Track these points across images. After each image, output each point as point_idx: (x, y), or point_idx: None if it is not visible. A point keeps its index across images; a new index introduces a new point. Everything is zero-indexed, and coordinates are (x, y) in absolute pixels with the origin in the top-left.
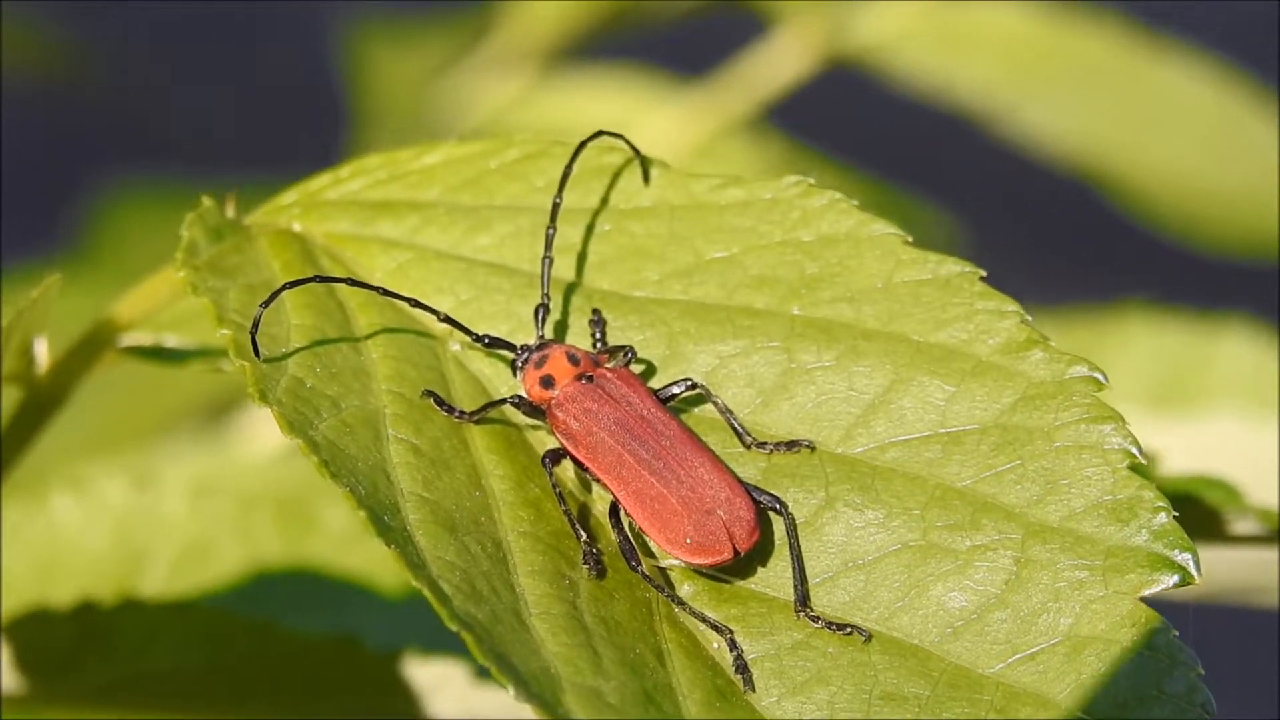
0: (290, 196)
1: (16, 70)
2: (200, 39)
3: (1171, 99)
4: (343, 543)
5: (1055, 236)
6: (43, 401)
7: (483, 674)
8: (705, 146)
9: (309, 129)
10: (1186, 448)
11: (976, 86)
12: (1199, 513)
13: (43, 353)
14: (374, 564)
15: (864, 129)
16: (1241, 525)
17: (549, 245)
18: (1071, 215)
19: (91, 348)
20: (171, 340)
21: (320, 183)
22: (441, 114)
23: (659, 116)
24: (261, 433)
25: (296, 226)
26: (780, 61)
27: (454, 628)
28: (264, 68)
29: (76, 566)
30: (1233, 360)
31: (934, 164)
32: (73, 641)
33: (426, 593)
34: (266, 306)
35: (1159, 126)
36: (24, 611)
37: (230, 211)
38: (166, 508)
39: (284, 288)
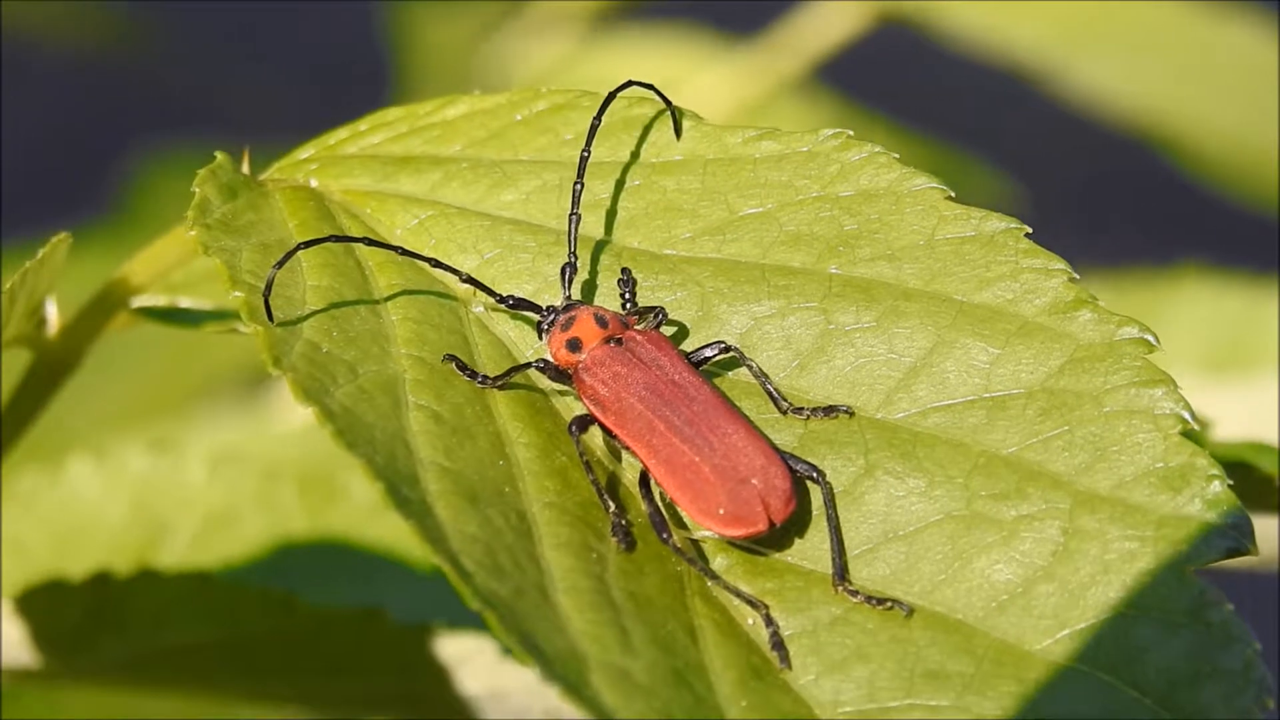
0: (307, 151)
1: (62, 39)
2: (245, 4)
3: (1230, 57)
4: (369, 513)
5: (1113, 197)
6: (53, 364)
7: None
8: (756, 106)
9: (354, 95)
10: (1243, 412)
11: (1030, 43)
12: (1252, 480)
13: (53, 315)
14: (401, 535)
15: (918, 88)
16: None
17: (576, 201)
18: (1129, 175)
19: (103, 310)
20: (185, 301)
21: (338, 136)
22: (488, 77)
23: (709, 76)
24: (294, 406)
25: (314, 183)
26: (831, 19)
27: (475, 606)
28: (309, 33)
29: (95, 537)
30: None
31: (989, 123)
32: (86, 615)
33: (446, 568)
34: (280, 267)
35: (1217, 85)
36: (36, 583)
37: (245, 168)
38: (187, 477)
39: (298, 248)
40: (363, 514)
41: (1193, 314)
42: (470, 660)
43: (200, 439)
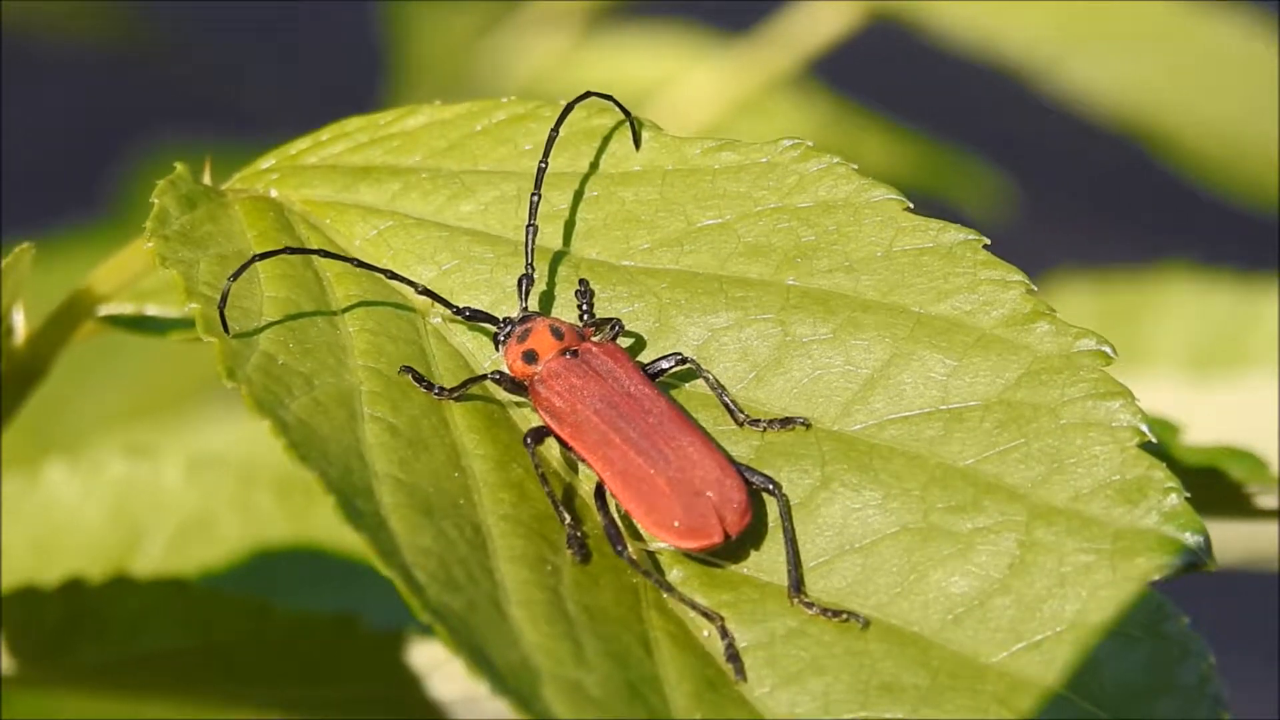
0: (268, 161)
1: (66, 36)
2: (247, 1)
3: (1221, 54)
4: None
5: (1104, 194)
6: (21, 374)
7: None
8: (749, 103)
9: (352, 92)
10: (1228, 411)
11: (1022, 41)
12: (1223, 486)
13: (20, 324)
14: None
15: (911, 85)
16: (1266, 500)
17: (533, 212)
18: (1120, 172)
19: (69, 318)
20: (153, 309)
21: (299, 146)
22: (484, 74)
23: (703, 74)
24: None
25: (273, 193)
26: (824, 17)
27: (426, 619)
28: (308, 30)
29: (72, 542)
30: (1275, 322)
31: (981, 120)
32: (62, 621)
33: (398, 581)
34: (235, 279)
35: (1209, 82)
36: (13, 589)
37: (206, 178)
38: (165, 481)
39: (253, 259)
40: (339, 519)
41: (1180, 312)
42: (444, 665)
43: (181, 444)
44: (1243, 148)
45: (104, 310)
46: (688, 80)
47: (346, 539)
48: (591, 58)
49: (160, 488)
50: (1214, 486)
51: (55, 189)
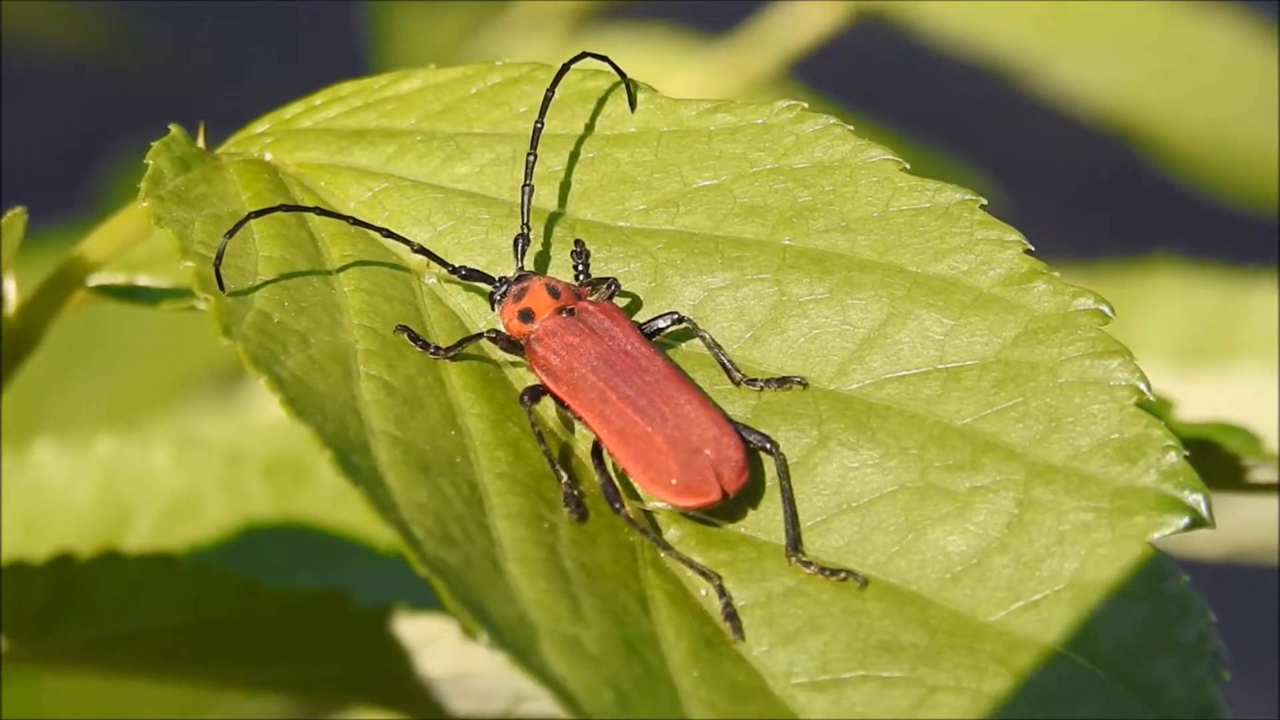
0: (262, 125)
1: (60, 39)
2: (235, 3)
3: (1206, 54)
4: (334, 498)
5: (1090, 194)
6: (13, 344)
7: None
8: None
9: None
10: (1214, 403)
11: (1008, 40)
12: (1218, 459)
13: (11, 293)
14: (366, 520)
15: (895, 86)
16: (1261, 473)
17: (529, 173)
18: (1108, 172)
19: (60, 287)
20: (144, 279)
21: (293, 111)
22: None
23: (686, 75)
24: (272, 402)
25: (268, 156)
26: (807, 17)
27: (423, 572)
28: (296, 33)
29: (60, 521)
30: (1263, 317)
31: (967, 121)
32: (50, 598)
33: (396, 534)
34: (231, 236)
35: (1196, 82)
36: (1, 567)
37: (200, 142)
38: (152, 462)
39: (249, 216)
40: (328, 499)
41: (1166, 306)
42: (433, 642)
43: (170, 430)
44: (1232, 148)
45: (95, 279)
46: (671, 82)
47: (333, 520)
48: None
49: (148, 468)
50: (1209, 459)
51: (51, 194)
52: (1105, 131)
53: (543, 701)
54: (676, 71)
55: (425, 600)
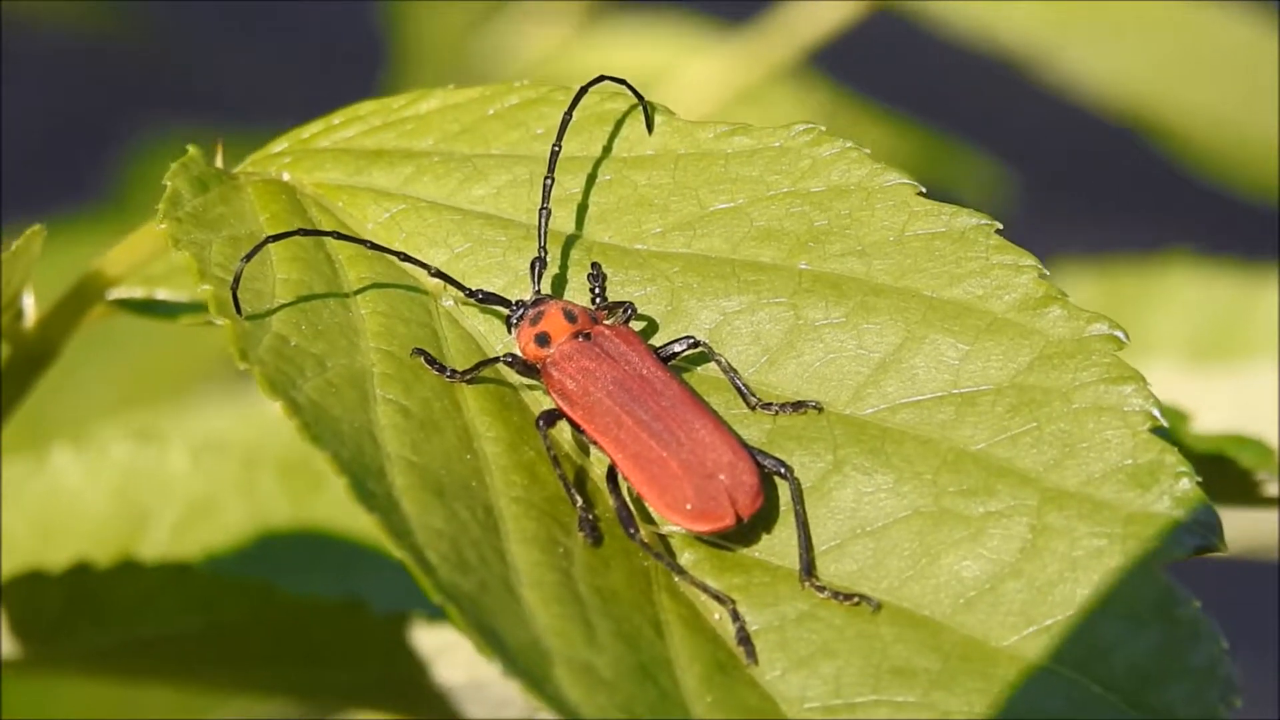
0: (280, 145)
1: (62, 22)
2: None
3: (1222, 45)
4: (351, 503)
5: (1103, 184)
6: (31, 357)
7: None
8: (749, 94)
9: (351, 82)
10: (1229, 399)
11: (1022, 30)
12: (1232, 474)
13: (30, 307)
14: None
15: (911, 75)
16: (1274, 488)
17: (546, 196)
18: (1120, 162)
19: (79, 302)
20: (163, 294)
21: (312, 130)
22: (484, 64)
23: (702, 64)
24: None
25: (286, 176)
26: (824, 6)
27: (437, 599)
28: (307, 20)
29: (77, 526)
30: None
31: (982, 110)
32: (65, 605)
33: (409, 562)
34: (248, 260)
35: (1209, 72)
36: (18, 573)
37: (219, 161)
38: (169, 465)
39: (266, 241)
40: (344, 504)
41: (1181, 301)
42: (450, 650)
43: (183, 428)
44: (1242, 136)
45: (114, 294)
46: (687, 71)
47: (350, 524)
48: (591, 47)
49: (165, 472)
50: (1222, 474)
51: (49, 177)
52: (1117, 119)
53: None
54: (693, 60)
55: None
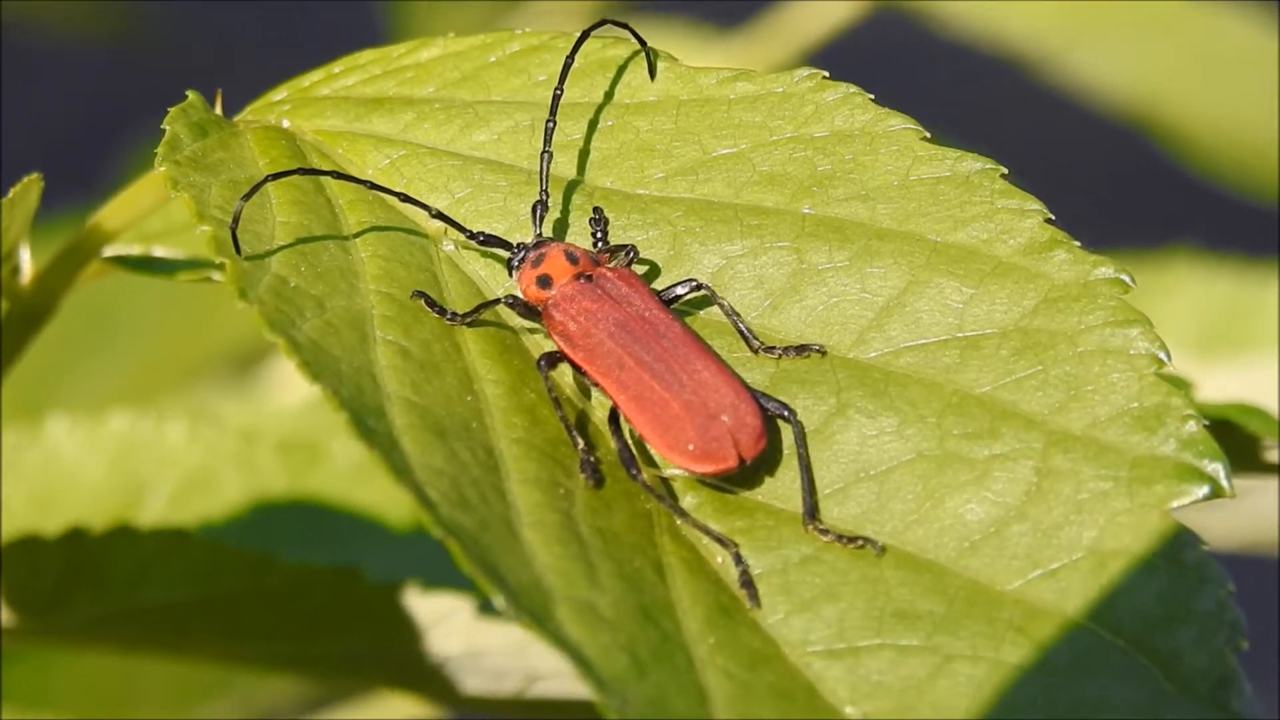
0: (280, 93)
1: (70, 23)
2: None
3: (1221, 45)
4: (350, 478)
5: (1107, 185)
6: (27, 313)
7: (487, 607)
8: None
9: None
10: (1232, 394)
11: (1025, 31)
12: (1236, 439)
13: (26, 262)
14: (380, 498)
15: (909, 76)
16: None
17: (548, 139)
18: (1124, 164)
19: (76, 257)
20: (160, 250)
21: (312, 79)
22: None
23: (702, 65)
24: (288, 386)
25: (286, 123)
26: (823, 7)
27: (439, 534)
28: (310, 25)
29: (73, 497)
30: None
31: (983, 112)
32: (62, 573)
33: (411, 497)
34: (247, 200)
35: (1213, 74)
36: (14, 540)
37: (218, 109)
38: (167, 437)
39: (266, 180)
40: (343, 478)
41: (1184, 297)
42: (446, 620)
43: (185, 410)
44: (1247, 139)
45: (110, 250)
46: None
47: (347, 499)
48: None
49: (163, 443)
50: (1228, 439)
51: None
52: (1121, 122)
53: (555, 681)
54: (693, 62)
55: (438, 579)
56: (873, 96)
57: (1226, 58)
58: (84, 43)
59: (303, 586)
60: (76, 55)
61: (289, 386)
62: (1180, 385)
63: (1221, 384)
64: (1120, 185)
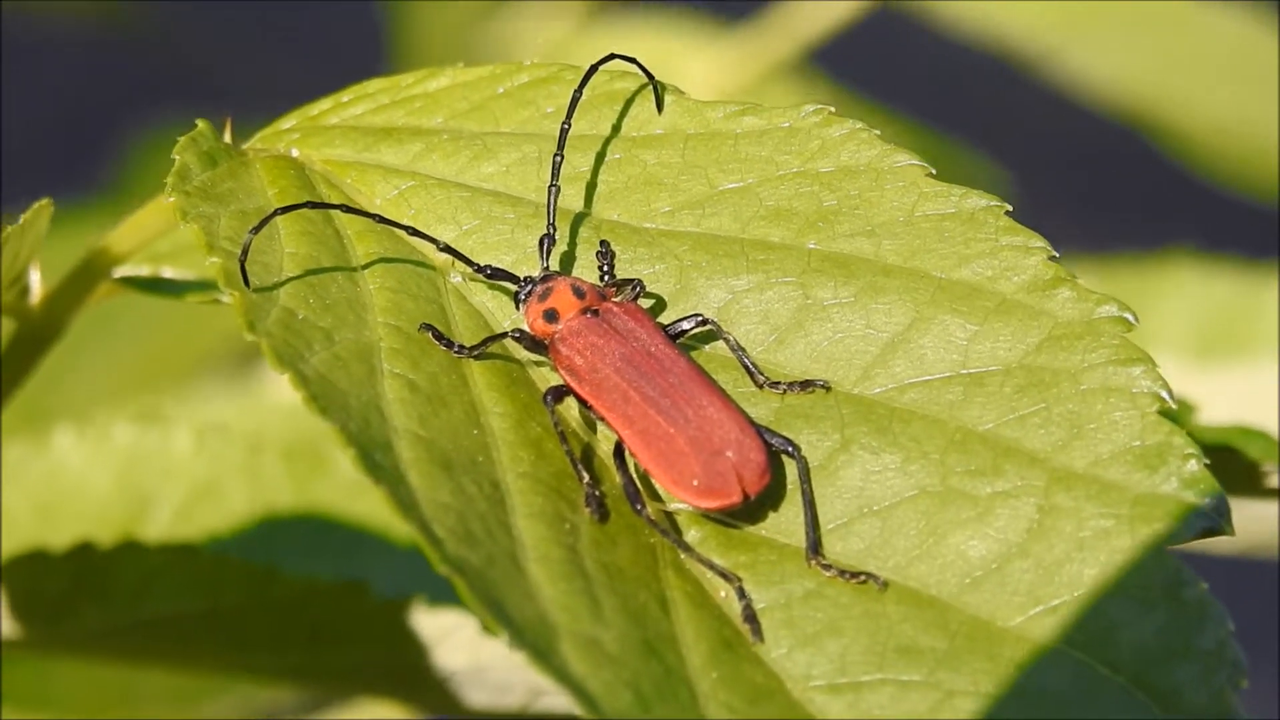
0: (289, 122)
1: (65, 14)
2: None
3: (1223, 45)
4: (354, 487)
5: (1104, 184)
6: (37, 334)
7: None
8: (748, 91)
9: (352, 78)
10: (1232, 396)
11: (1024, 28)
12: (1238, 464)
13: (36, 283)
14: (386, 510)
15: (911, 73)
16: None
17: (556, 173)
18: (1122, 162)
19: (86, 279)
20: (169, 272)
21: (321, 108)
22: (486, 60)
23: (701, 61)
24: (286, 384)
25: (295, 152)
26: (824, 3)
27: (444, 571)
28: (309, 16)
29: (80, 508)
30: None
31: (982, 108)
32: (69, 585)
33: (417, 534)
34: (257, 233)
35: (1210, 72)
36: (20, 553)
37: (227, 137)
38: (173, 449)
39: (275, 213)
40: (348, 489)
41: (1182, 298)
42: (452, 635)
43: (187, 415)
44: (1244, 138)
45: (120, 271)
46: (686, 69)
47: (352, 509)
48: (592, 43)
49: (168, 455)
50: (1229, 464)
51: (52, 168)
52: (1117, 119)
53: (560, 697)
54: (693, 58)
55: (443, 592)
56: (878, 132)
57: (1224, 56)
58: (79, 33)
59: (307, 599)
60: (72, 45)
61: (287, 385)
62: (1184, 408)
63: (1219, 387)
64: (1117, 183)
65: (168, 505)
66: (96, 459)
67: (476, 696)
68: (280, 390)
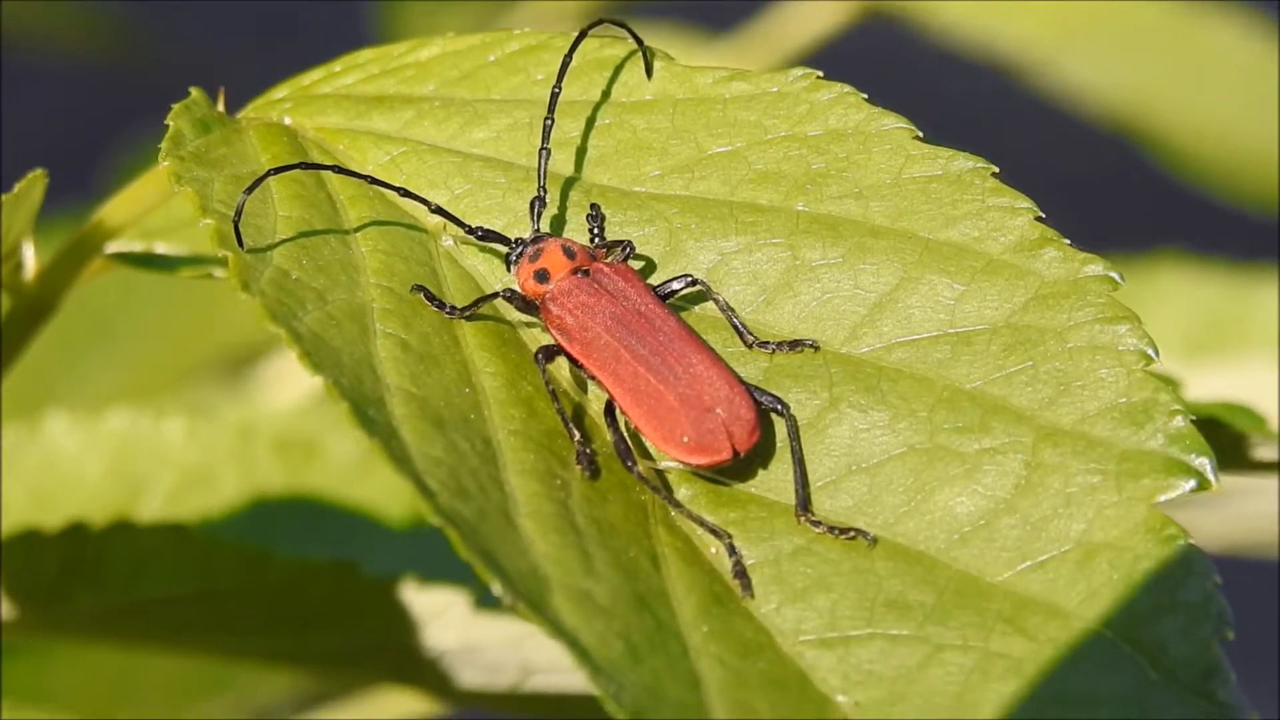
0: (282, 91)
1: (63, 35)
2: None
3: (1211, 53)
4: (346, 476)
5: (1095, 194)
6: (31, 309)
7: (484, 601)
8: None
9: None
10: (1220, 397)
11: (1015, 38)
12: (1224, 437)
13: (30, 259)
14: (377, 497)
15: (901, 84)
16: (1265, 451)
17: (546, 136)
18: (1113, 172)
19: (79, 253)
20: (162, 247)
21: (313, 77)
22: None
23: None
24: (285, 385)
25: (287, 120)
26: (813, 14)
27: (438, 522)
28: (302, 30)
29: (72, 494)
30: (1268, 312)
31: (973, 119)
32: (62, 567)
33: (411, 486)
34: (250, 193)
35: (1203, 82)
36: (14, 535)
37: (220, 106)
38: (165, 435)
39: (269, 173)
40: (340, 476)
41: (1173, 301)
42: (443, 614)
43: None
44: (1236, 147)
45: (113, 246)
46: None
47: (344, 496)
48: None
49: (161, 441)
50: (1215, 437)
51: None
52: (1109, 130)
53: (551, 675)
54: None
55: (434, 575)
56: (866, 96)
57: (1215, 65)
58: (79, 54)
59: (300, 581)
60: (72, 66)
61: (284, 387)
62: (1168, 383)
63: (1208, 389)
64: (1108, 191)
65: (159, 491)
66: (89, 445)
67: (468, 676)
68: (274, 397)
